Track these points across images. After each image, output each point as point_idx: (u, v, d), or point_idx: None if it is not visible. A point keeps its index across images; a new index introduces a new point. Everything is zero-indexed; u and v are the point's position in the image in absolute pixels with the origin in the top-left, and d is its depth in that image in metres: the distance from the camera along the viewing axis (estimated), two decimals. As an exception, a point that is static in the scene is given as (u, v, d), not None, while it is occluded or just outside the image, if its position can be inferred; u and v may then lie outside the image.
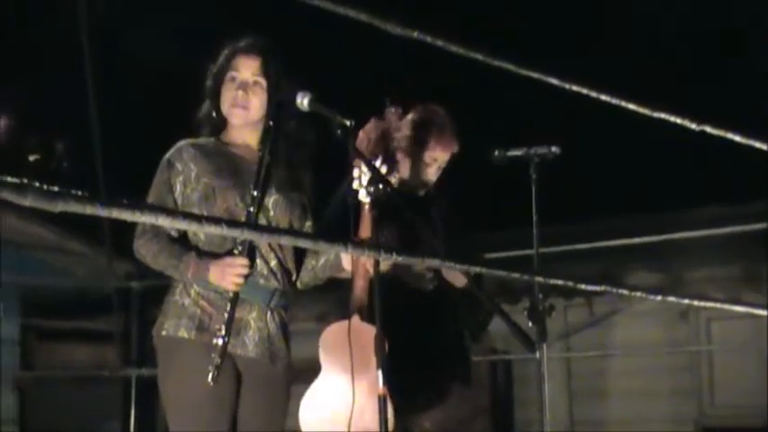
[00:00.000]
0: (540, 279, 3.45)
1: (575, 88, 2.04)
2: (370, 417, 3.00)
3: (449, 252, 3.59)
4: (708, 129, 1.99)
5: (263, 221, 3.12)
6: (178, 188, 3.13)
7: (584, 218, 8.00)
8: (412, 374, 3.58)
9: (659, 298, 2.06)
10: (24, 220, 7.91)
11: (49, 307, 8.28)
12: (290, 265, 3.22)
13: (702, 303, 2.65)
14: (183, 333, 3.04)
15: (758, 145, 2.03)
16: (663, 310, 7.54)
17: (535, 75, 2.03)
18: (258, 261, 3.10)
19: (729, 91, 8.02)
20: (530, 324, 3.62)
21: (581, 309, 8.06)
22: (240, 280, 3.01)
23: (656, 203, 7.98)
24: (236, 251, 3.05)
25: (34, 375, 8.43)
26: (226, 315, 3.01)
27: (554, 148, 3.66)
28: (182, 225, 1.23)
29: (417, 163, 3.71)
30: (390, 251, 1.86)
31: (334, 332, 3.21)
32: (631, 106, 2.17)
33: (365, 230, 3.12)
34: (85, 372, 8.70)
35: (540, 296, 3.61)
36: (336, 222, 3.61)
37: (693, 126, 1.99)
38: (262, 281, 3.11)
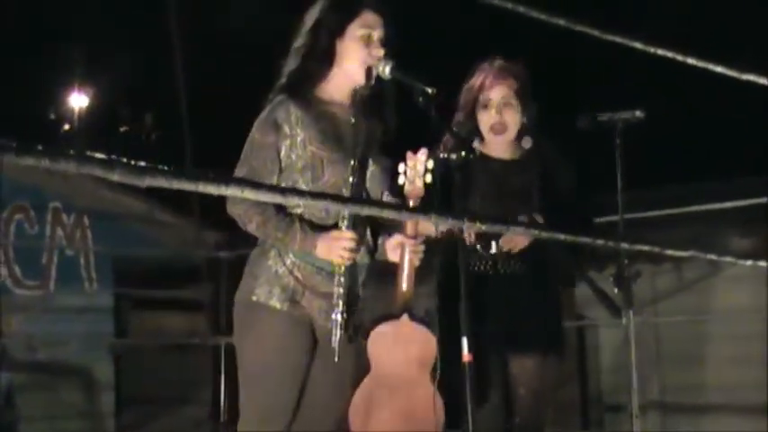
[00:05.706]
0: (625, 245, 3.42)
1: (659, 52, 2.01)
2: (421, 416, 3.10)
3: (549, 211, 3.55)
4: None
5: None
6: (283, 152, 3.02)
7: (672, 182, 7.88)
8: (503, 346, 3.59)
9: (749, 263, 2.03)
10: (116, 191, 8.07)
11: (142, 277, 8.46)
12: (371, 241, 3.17)
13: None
14: (275, 303, 2.99)
15: None
16: (757, 275, 7.40)
17: (619, 39, 2.00)
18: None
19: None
20: (615, 290, 3.60)
21: (670, 274, 7.95)
22: (348, 254, 2.94)
23: (746, 166, 7.81)
24: (341, 225, 2.97)
25: (129, 343, 8.63)
26: (332, 290, 2.96)
27: (638, 113, 3.61)
28: (273, 199, 1.25)
29: (482, 115, 3.67)
30: (475, 219, 1.86)
31: (382, 333, 3.17)
32: (719, 69, 2.13)
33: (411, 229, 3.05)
34: (177, 339, 8.88)
35: (626, 262, 3.58)
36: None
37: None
38: (358, 258, 3.05)
